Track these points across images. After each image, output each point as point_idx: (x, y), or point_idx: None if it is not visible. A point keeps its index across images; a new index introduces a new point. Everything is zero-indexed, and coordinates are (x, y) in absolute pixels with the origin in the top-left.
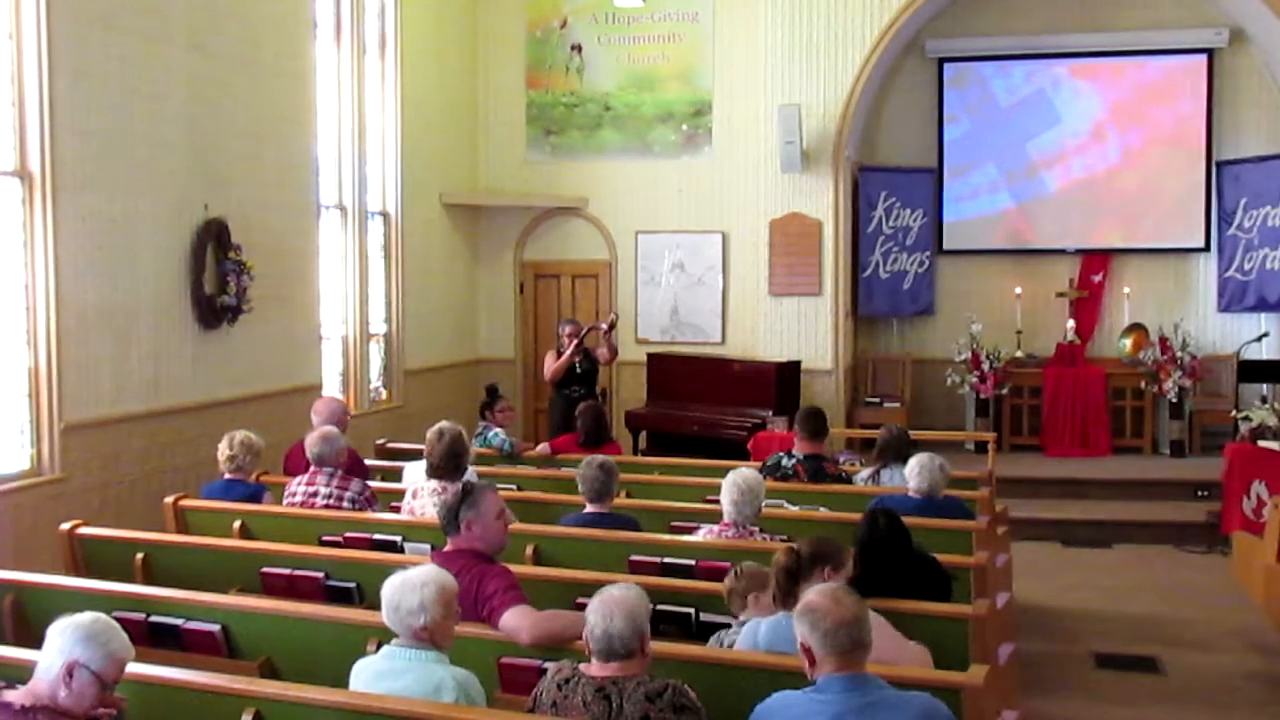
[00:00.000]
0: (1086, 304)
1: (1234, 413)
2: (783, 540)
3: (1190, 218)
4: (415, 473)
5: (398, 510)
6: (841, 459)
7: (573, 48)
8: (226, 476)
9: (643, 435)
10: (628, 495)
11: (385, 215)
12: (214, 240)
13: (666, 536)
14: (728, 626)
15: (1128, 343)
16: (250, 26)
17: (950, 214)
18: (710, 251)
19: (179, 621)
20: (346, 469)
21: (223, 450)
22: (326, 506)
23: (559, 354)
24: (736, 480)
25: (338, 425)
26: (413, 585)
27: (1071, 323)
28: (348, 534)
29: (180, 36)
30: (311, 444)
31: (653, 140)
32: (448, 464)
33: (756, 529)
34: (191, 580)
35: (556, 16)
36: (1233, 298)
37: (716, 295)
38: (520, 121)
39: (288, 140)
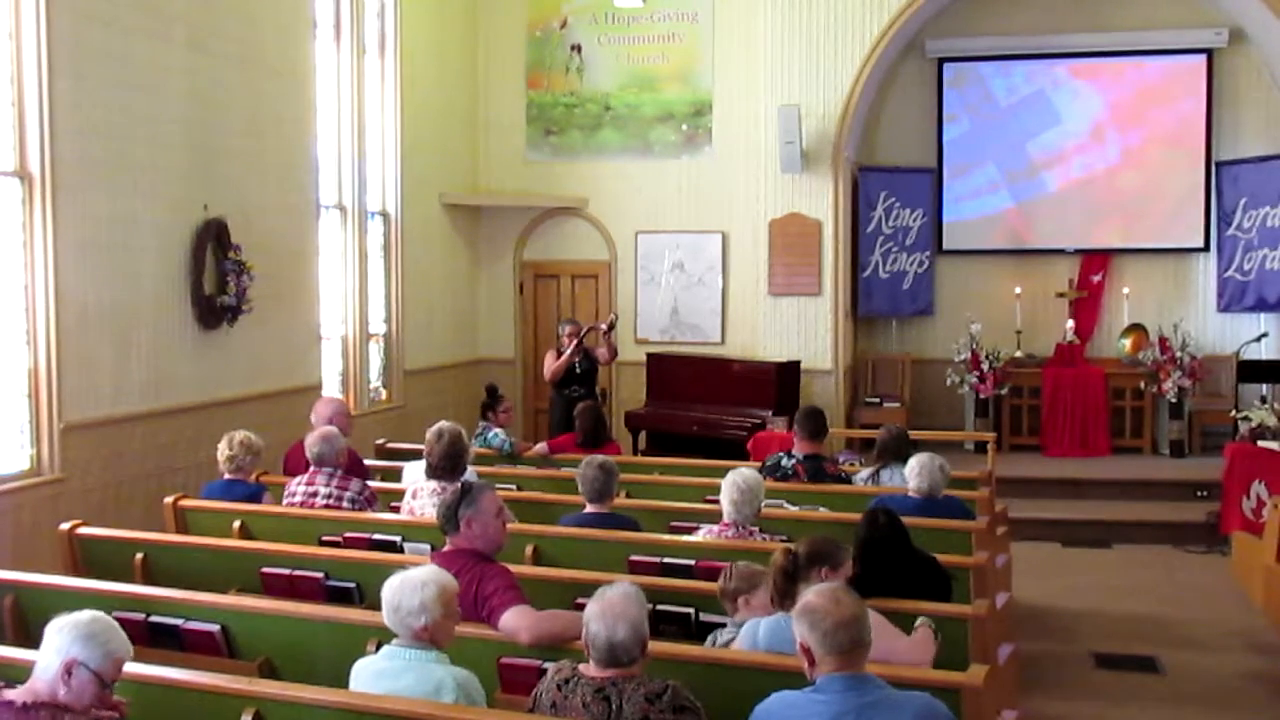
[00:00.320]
0: (1086, 304)
1: (1233, 413)
2: (782, 540)
3: (1190, 218)
4: (415, 473)
5: (397, 510)
6: (841, 459)
7: (573, 48)
8: (226, 476)
9: (642, 435)
10: (627, 495)
11: (385, 215)
12: (214, 240)
13: (666, 537)
14: (721, 627)
15: (1127, 343)
16: (250, 26)
17: (950, 214)
18: (710, 251)
19: (179, 621)
20: (346, 469)
21: (222, 450)
22: (326, 506)
23: (559, 354)
24: (736, 480)
25: (339, 427)
26: (413, 585)
27: (1071, 323)
28: (347, 534)
29: (180, 36)
30: (311, 444)
31: (653, 140)
32: (447, 464)
33: (756, 529)
34: (191, 580)
35: (556, 17)
36: (1232, 298)
37: (716, 295)
38: (520, 121)
39: (288, 140)
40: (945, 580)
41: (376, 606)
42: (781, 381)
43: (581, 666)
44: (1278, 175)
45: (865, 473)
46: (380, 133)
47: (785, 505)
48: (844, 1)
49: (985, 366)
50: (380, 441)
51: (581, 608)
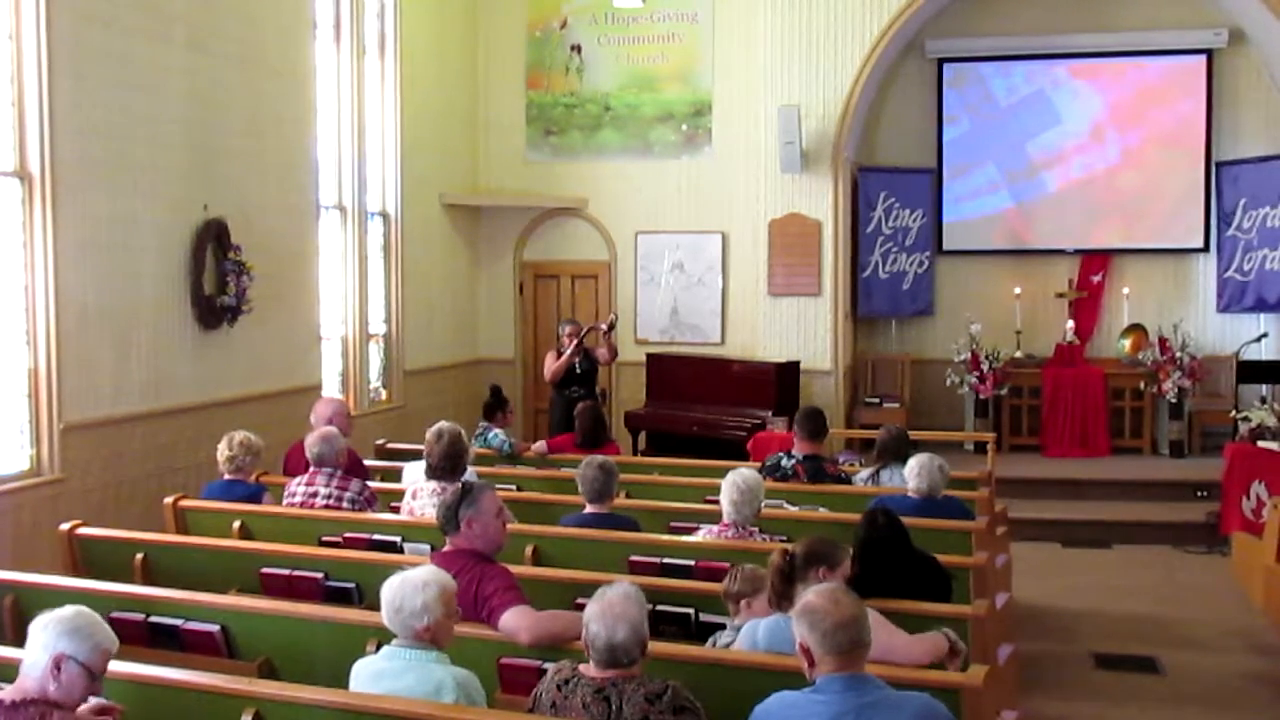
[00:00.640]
0: (1086, 304)
1: (1233, 413)
2: (782, 541)
3: (1189, 218)
4: (414, 473)
5: (397, 510)
6: (841, 459)
7: (572, 48)
8: (226, 477)
9: (642, 435)
10: (627, 495)
11: (385, 215)
12: (214, 240)
13: (666, 537)
14: (722, 628)
15: (1127, 343)
16: (250, 26)
17: (950, 214)
18: (710, 252)
19: (178, 622)
20: (346, 469)
21: (222, 450)
22: (326, 507)
23: (559, 354)
24: (736, 481)
25: (339, 427)
26: (414, 586)
27: (1071, 323)
28: (347, 534)
29: (180, 36)
30: (311, 444)
31: (652, 140)
32: (447, 464)
33: (756, 529)
34: (191, 580)
35: (556, 17)
36: (1232, 298)
37: (716, 295)
38: (520, 121)
39: (288, 140)
40: (945, 580)
41: (376, 607)
42: (781, 382)
43: (581, 667)
44: (1278, 175)
45: (865, 473)
46: (380, 133)
47: (785, 505)
48: (844, 1)
49: (985, 367)
50: (380, 442)
51: (581, 608)
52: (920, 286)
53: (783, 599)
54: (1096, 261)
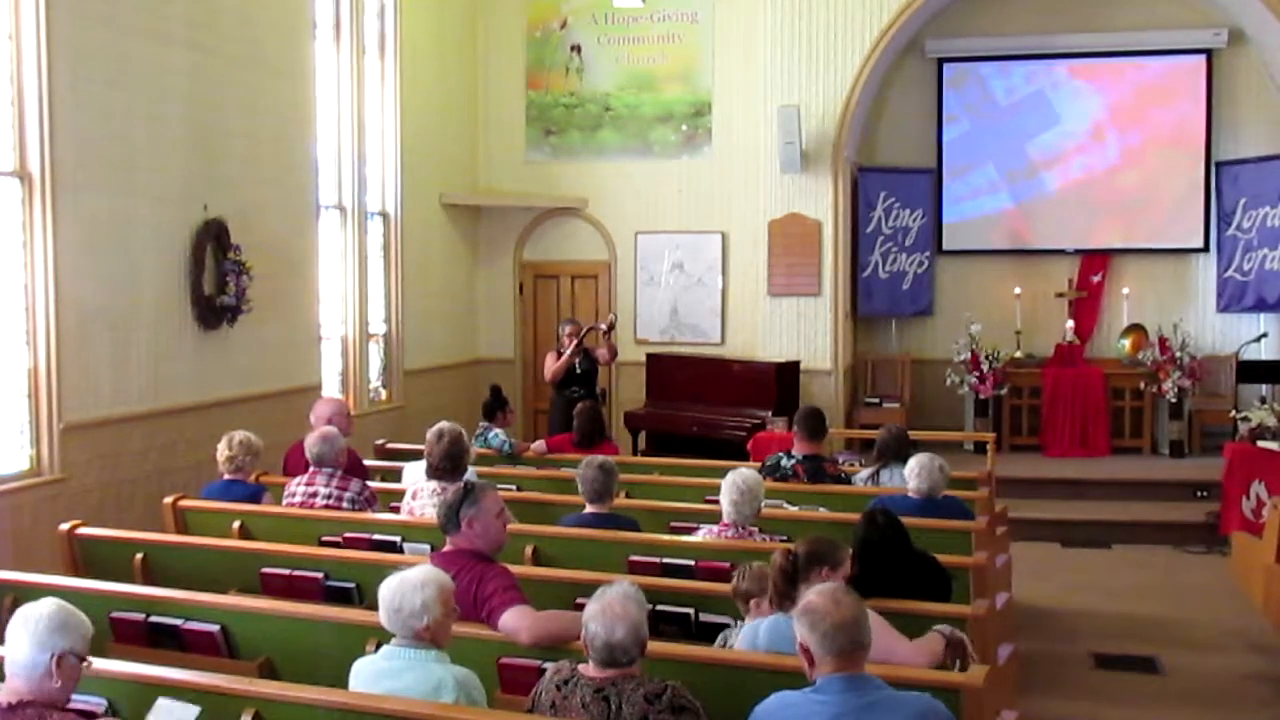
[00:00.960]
0: (1086, 304)
1: (1233, 413)
2: (782, 541)
3: (1189, 218)
4: (415, 473)
5: (397, 510)
6: (841, 459)
7: (572, 48)
8: (226, 477)
9: (642, 436)
10: (627, 495)
11: (385, 215)
12: (213, 240)
13: (666, 537)
14: (727, 627)
15: (1127, 343)
16: (250, 26)
17: (949, 214)
18: (710, 252)
19: (179, 622)
20: (346, 469)
21: (222, 451)
22: (326, 507)
23: (559, 354)
24: (736, 481)
25: (339, 427)
26: (413, 586)
27: (1071, 323)
28: (347, 534)
29: (180, 36)
30: (311, 444)
31: (652, 140)
32: (447, 464)
33: (756, 529)
34: (191, 580)
35: (556, 17)
36: (1232, 298)
37: (716, 296)
38: (520, 121)
39: (288, 140)
40: (945, 580)
41: (376, 607)
42: (781, 382)
43: (581, 667)
44: (1277, 175)
45: (865, 473)
46: (380, 133)
47: (785, 505)
48: (844, 1)
49: (985, 367)
50: (380, 442)
51: (581, 608)
52: (920, 286)
53: (784, 599)
54: (1096, 261)
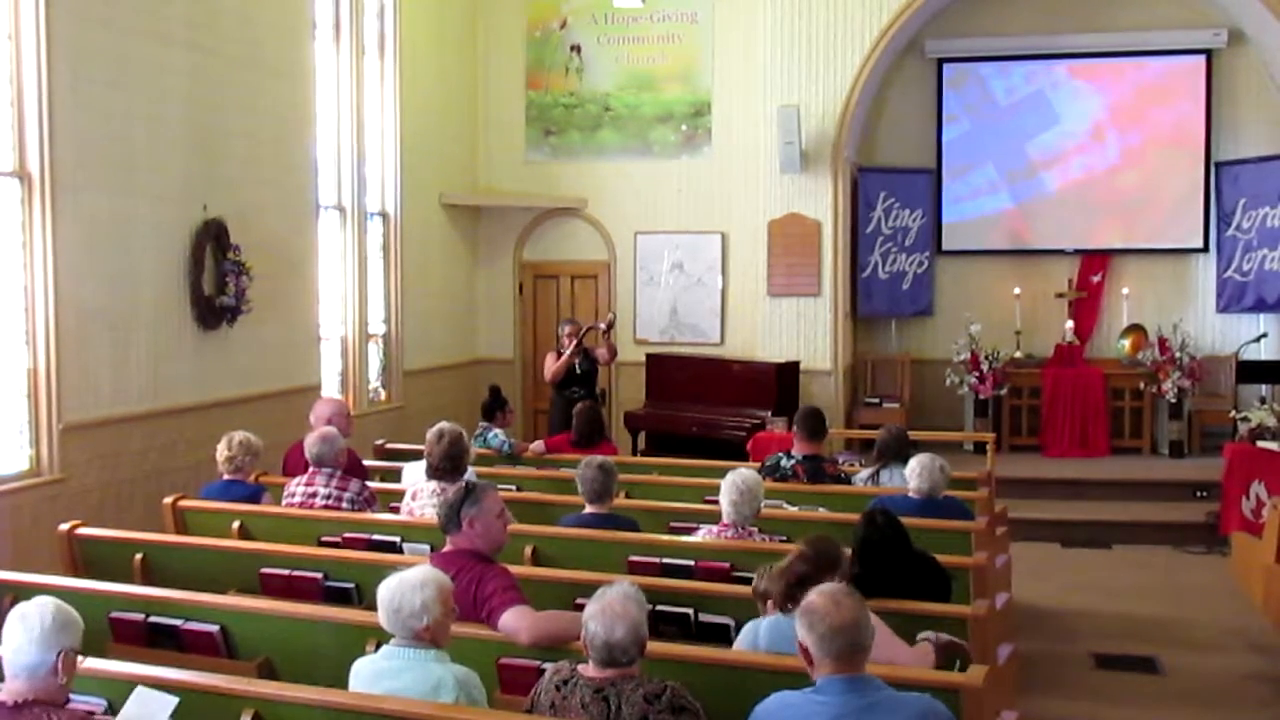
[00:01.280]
0: (1085, 304)
1: (1233, 413)
2: (782, 541)
3: (1189, 218)
4: (415, 473)
5: (397, 511)
6: (841, 459)
7: (572, 48)
8: (225, 477)
9: (642, 436)
10: (627, 496)
11: (384, 215)
12: (213, 240)
13: (665, 537)
14: (727, 627)
15: (1126, 343)
16: (250, 26)
17: (949, 214)
18: (709, 252)
19: (178, 622)
20: (346, 470)
21: (221, 451)
22: (325, 507)
23: (559, 355)
24: (735, 481)
25: (339, 427)
26: (412, 586)
27: (1070, 323)
28: (346, 534)
29: (180, 36)
30: (310, 444)
31: (652, 140)
32: (447, 464)
33: (755, 529)
34: (190, 581)
35: (556, 17)
36: (1231, 298)
37: (715, 296)
38: (520, 121)
39: (287, 140)
40: (945, 580)
41: (375, 607)
42: (781, 382)
43: (580, 667)
44: (1277, 175)
45: (865, 473)
46: (380, 133)
47: (785, 506)
48: (844, 1)
49: (985, 367)
50: (380, 442)
51: (581, 608)
52: (920, 286)
53: (788, 600)
54: (1096, 262)
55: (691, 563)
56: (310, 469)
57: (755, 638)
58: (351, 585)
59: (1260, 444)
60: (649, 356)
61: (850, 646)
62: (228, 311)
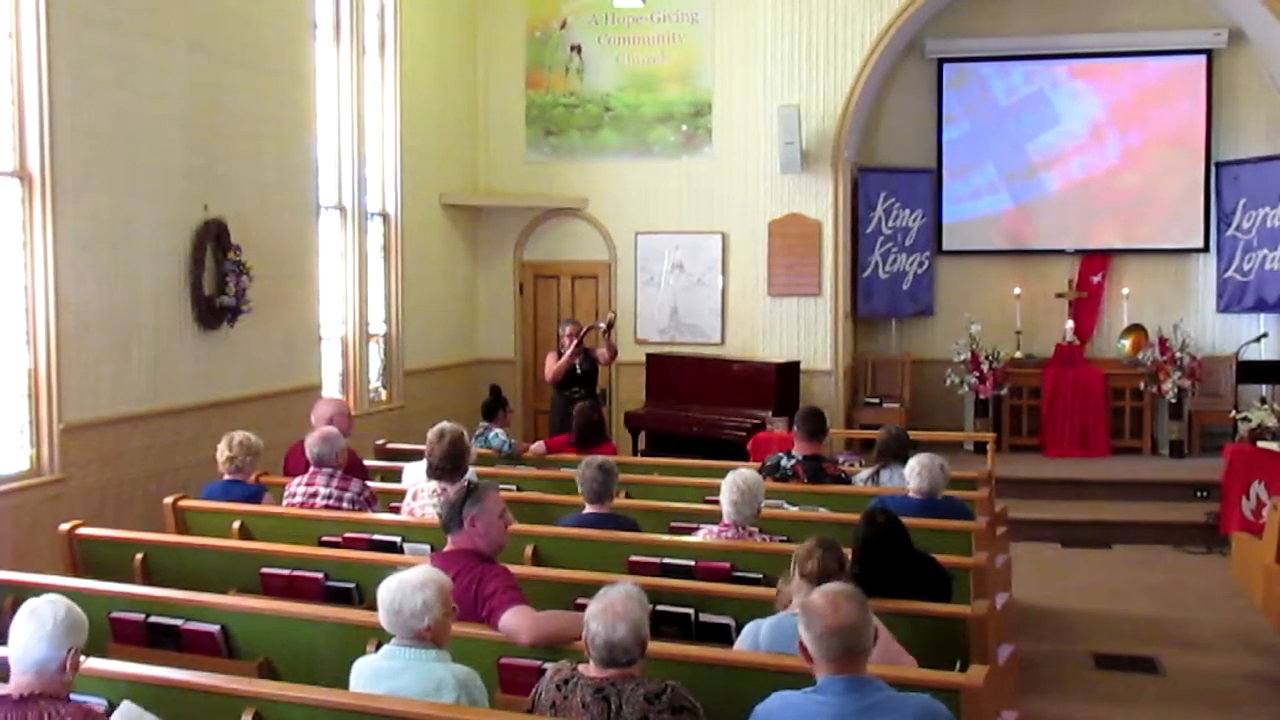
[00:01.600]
0: (1086, 304)
1: (1233, 413)
2: (783, 541)
3: (1189, 218)
4: (415, 473)
5: (397, 511)
6: (841, 459)
7: (572, 48)
8: (226, 477)
9: (642, 436)
10: (627, 496)
11: (385, 216)
12: (214, 240)
13: (666, 537)
14: (727, 627)
15: (1127, 343)
16: (250, 26)
17: (949, 214)
18: (710, 252)
19: (178, 622)
20: (346, 470)
21: (222, 451)
22: (326, 507)
23: (559, 355)
24: (736, 481)
25: (340, 427)
26: (413, 587)
27: (1071, 323)
28: (347, 534)
29: (180, 36)
30: (311, 444)
31: (652, 141)
32: (448, 465)
33: (756, 530)
34: (191, 581)
35: (556, 17)
36: (1232, 298)
37: (716, 296)
38: (520, 122)
39: (288, 140)
40: (945, 580)
41: (376, 607)
42: (781, 382)
43: (581, 667)
44: (1277, 175)
45: (865, 473)
46: (380, 133)
47: (785, 506)
48: (844, 2)
49: (985, 367)
50: (380, 442)
51: (582, 608)
52: (920, 286)
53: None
54: (1096, 262)
55: (692, 563)
56: (311, 469)
57: (756, 638)
58: (352, 585)
59: (1260, 444)
60: (649, 356)
61: (845, 649)
62: (228, 311)
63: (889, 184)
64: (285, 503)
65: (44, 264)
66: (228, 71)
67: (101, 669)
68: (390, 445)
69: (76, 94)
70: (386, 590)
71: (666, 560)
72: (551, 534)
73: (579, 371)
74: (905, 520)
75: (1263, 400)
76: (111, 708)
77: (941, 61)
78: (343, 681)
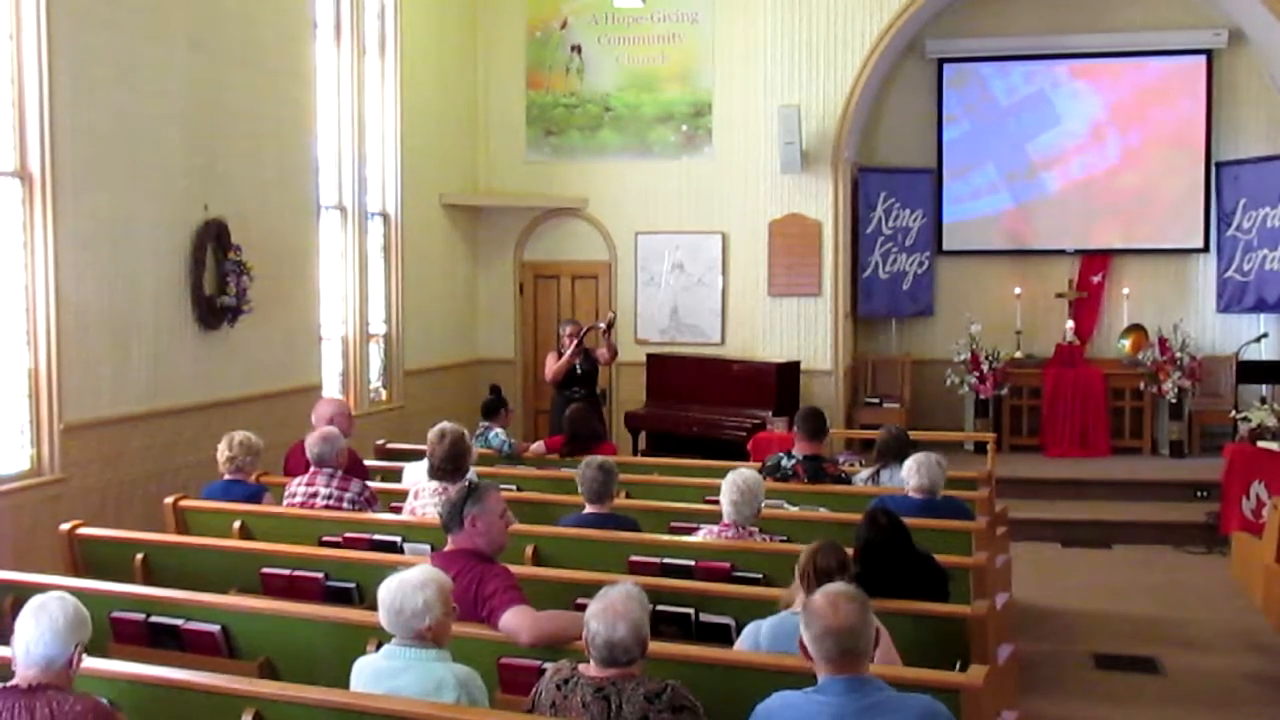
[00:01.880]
0: (1086, 304)
1: (1233, 413)
2: (783, 541)
3: (1189, 218)
4: (416, 473)
5: (398, 511)
6: (841, 459)
7: (572, 48)
8: (226, 477)
9: (642, 436)
10: (627, 495)
11: (385, 215)
12: (214, 240)
13: (666, 537)
14: (727, 627)
15: (1127, 343)
16: (250, 26)
17: (950, 214)
18: (710, 252)
19: (179, 622)
20: (346, 470)
21: (222, 451)
22: (326, 507)
23: (559, 355)
24: (736, 481)
25: (340, 427)
26: (414, 587)
27: (1071, 323)
28: (347, 534)
29: (180, 36)
30: (311, 444)
31: (652, 141)
32: (449, 465)
33: (756, 529)
34: (191, 580)
35: (556, 17)
36: (1232, 298)
37: (716, 296)
38: (520, 122)
39: (288, 140)
40: (942, 580)
41: (376, 607)
42: (781, 382)
43: (581, 666)
44: (1277, 175)
45: (865, 473)
46: (380, 133)
47: (785, 506)
48: (844, 2)
49: (985, 367)
50: (380, 442)
51: (582, 608)
52: (920, 286)
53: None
54: (1096, 262)
55: (692, 563)
56: (311, 469)
57: (756, 639)
58: (352, 585)
59: (1260, 444)
60: (649, 356)
61: (842, 651)
62: (229, 311)
63: (889, 184)
64: (285, 503)
65: (44, 264)
66: (228, 71)
67: (102, 669)
68: (390, 445)
69: (76, 94)
70: (387, 590)
71: (666, 560)
72: (552, 534)
73: (579, 371)
74: (905, 520)
75: (1263, 400)
76: (112, 706)
77: (941, 61)
78: (343, 681)
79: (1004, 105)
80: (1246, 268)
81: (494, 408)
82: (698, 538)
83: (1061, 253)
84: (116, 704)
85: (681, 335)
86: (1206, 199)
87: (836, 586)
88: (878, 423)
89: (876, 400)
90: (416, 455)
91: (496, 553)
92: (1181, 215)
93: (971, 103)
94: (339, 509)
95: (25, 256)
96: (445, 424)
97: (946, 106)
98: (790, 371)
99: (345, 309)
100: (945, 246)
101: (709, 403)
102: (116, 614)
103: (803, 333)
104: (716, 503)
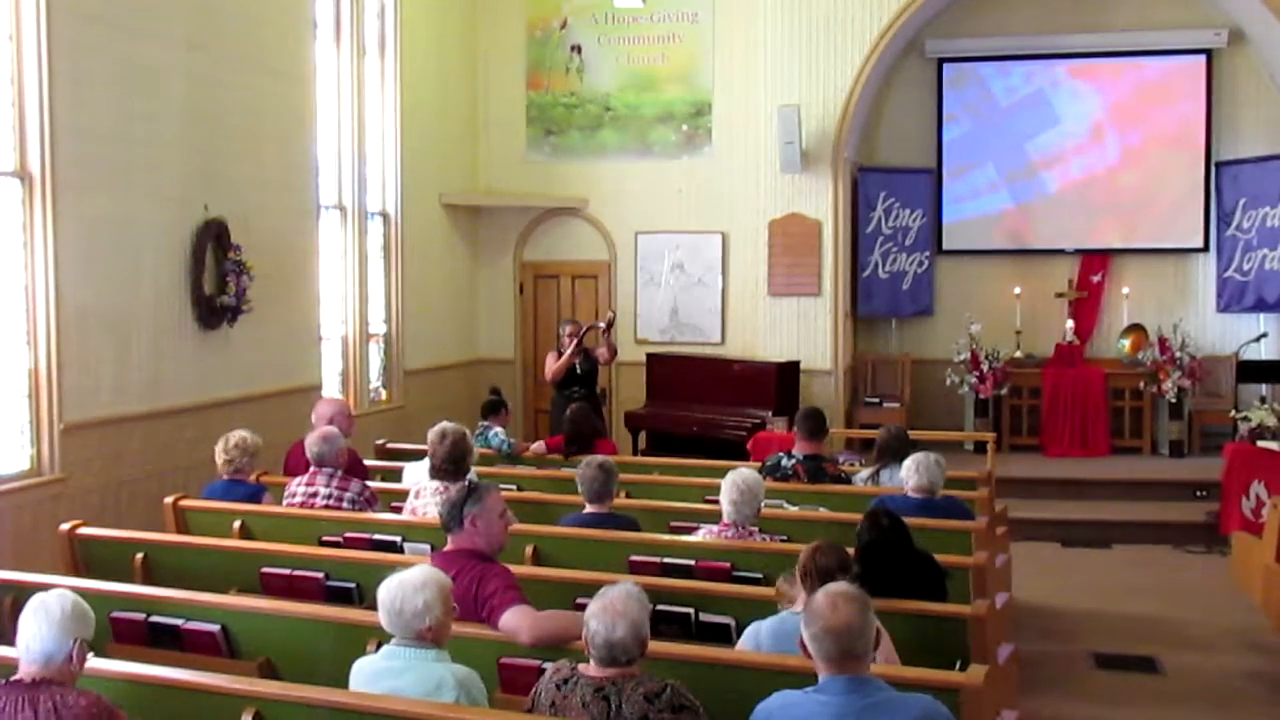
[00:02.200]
0: (1085, 304)
1: (1233, 413)
2: (783, 541)
3: (1189, 218)
4: (417, 473)
5: (398, 510)
6: (841, 459)
7: (573, 48)
8: (226, 477)
9: (642, 435)
10: (627, 495)
11: (385, 215)
12: (214, 240)
13: (666, 537)
14: (728, 627)
15: (1127, 343)
16: (250, 26)
17: (949, 214)
18: (710, 252)
19: (179, 621)
20: (346, 469)
21: (219, 453)
22: (326, 507)
23: (559, 354)
24: (736, 480)
25: (341, 427)
26: (414, 587)
27: (1071, 323)
28: (347, 534)
29: (180, 36)
30: (311, 444)
31: (652, 140)
32: (450, 465)
33: (756, 529)
34: (191, 580)
35: (556, 17)
36: (1231, 298)
37: (716, 295)
38: (520, 122)
39: (288, 140)
40: (941, 579)
41: (376, 606)
42: (781, 382)
43: (581, 666)
44: (1277, 175)
45: (865, 473)
46: (380, 133)
47: (785, 505)
48: (844, 1)
49: (985, 367)
50: (380, 442)
51: (582, 608)
52: (920, 286)
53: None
54: (1096, 261)
55: (692, 562)
56: (311, 469)
57: (757, 639)
58: (352, 585)
59: (1260, 444)
60: (649, 356)
61: (841, 651)
62: (228, 311)
63: (889, 184)
64: (285, 502)
65: (44, 264)
66: (228, 71)
67: (102, 669)
68: (390, 445)
69: (76, 94)
70: (387, 590)
71: (666, 560)
72: (552, 534)
73: (579, 371)
74: (905, 520)
75: (1263, 400)
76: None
77: (941, 61)
78: (343, 681)
79: (1004, 105)
80: (1246, 267)
81: (494, 408)
82: (698, 537)
83: (1061, 252)
84: (117, 704)
85: (681, 335)
86: (1206, 199)
87: (837, 586)
88: (877, 422)
89: (876, 400)
90: (416, 455)
91: (496, 553)
92: (1181, 215)
93: (971, 102)
94: (339, 509)
95: (25, 256)
96: (446, 424)
97: (946, 106)
98: (790, 371)
99: (345, 309)
100: (945, 246)
101: (709, 402)
102: (116, 614)
103: (802, 332)
104: (716, 502)
